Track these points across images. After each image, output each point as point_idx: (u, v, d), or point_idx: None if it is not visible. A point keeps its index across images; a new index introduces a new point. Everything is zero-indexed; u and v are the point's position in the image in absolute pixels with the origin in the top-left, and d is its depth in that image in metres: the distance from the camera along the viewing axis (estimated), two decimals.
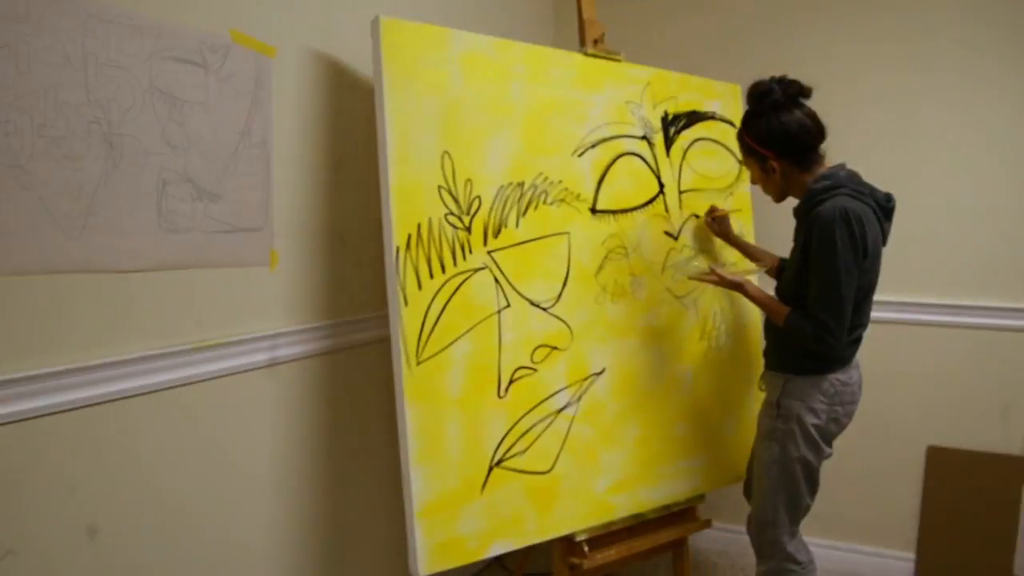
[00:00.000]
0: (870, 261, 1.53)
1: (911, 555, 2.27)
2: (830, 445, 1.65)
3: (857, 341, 1.63)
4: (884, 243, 1.60)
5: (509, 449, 1.58)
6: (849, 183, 1.54)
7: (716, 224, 1.99)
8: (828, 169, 1.59)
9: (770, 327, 1.73)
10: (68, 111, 1.05)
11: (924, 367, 2.22)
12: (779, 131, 1.57)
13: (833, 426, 1.63)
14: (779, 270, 1.87)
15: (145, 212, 1.18)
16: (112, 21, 1.11)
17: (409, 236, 1.46)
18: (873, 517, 2.31)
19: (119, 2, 1.12)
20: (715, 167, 2.07)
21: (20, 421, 1.02)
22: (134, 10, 1.14)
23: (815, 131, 1.58)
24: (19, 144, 1.00)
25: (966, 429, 2.20)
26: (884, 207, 1.58)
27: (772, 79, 1.60)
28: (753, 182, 1.71)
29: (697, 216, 2.02)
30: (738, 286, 1.72)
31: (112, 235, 1.13)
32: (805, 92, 1.59)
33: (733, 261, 2.02)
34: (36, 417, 1.04)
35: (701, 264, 1.96)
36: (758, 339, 2.13)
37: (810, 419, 1.60)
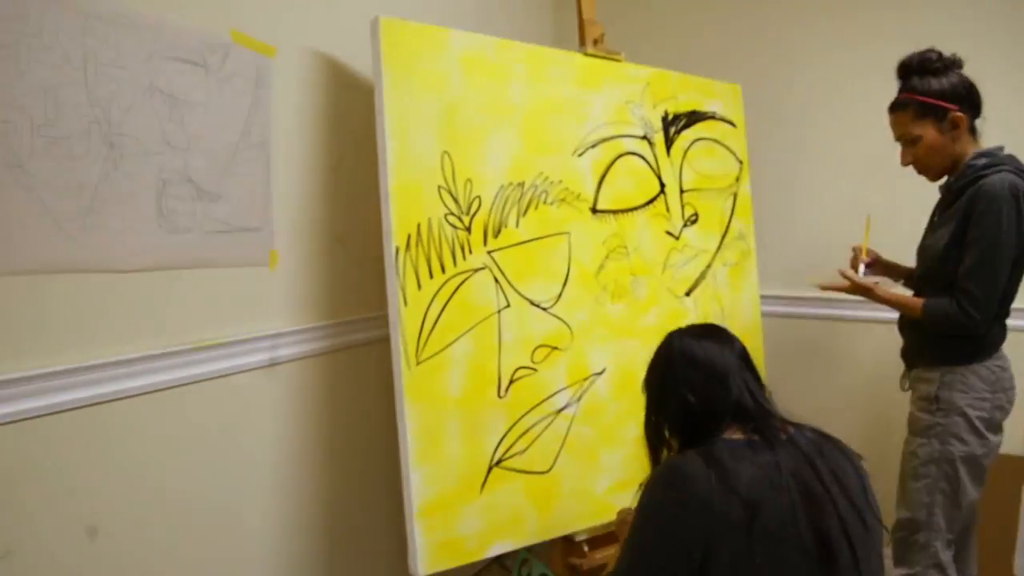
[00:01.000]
0: None
1: None
2: (996, 435, 1.56)
3: (1006, 325, 1.57)
4: None
5: (509, 449, 1.58)
6: (1011, 163, 1.50)
7: (875, 269, 1.86)
8: (985, 148, 1.55)
9: (910, 324, 1.67)
10: (68, 111, 1.05)
11: None
12: (961, 83, 1.53)
13: (998, 414, 1.55)
14: (909, 277, 1.81)
15: (145, 212, 1.18)
16: (112, 21, 1.11)
17: (409, 236, 1.46)
18: None
19: (119, 2, 1.12)
20: (716, 167, 2.07)
21: (20, 421, 1.02)
22: (134, 10, 1.14)
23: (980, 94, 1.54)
24: (19, 144, 1.00)
25: None
26: None
27: (928, 50, 1.56)
28: (907, 163, 1.64)
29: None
30: (867, 290, 1.67)
31: (112, 235, 1.13)
32: (959, 62, 1.56)
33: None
34: (36, 417, 1.04)
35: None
36: (758, 339, 2.13)
37: (974, 411, 1.52)
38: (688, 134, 2.00)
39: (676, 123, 1.99)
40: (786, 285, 2.41)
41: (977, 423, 1.52)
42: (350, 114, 1.63)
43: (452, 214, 1.52)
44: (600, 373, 1.76)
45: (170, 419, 1.25)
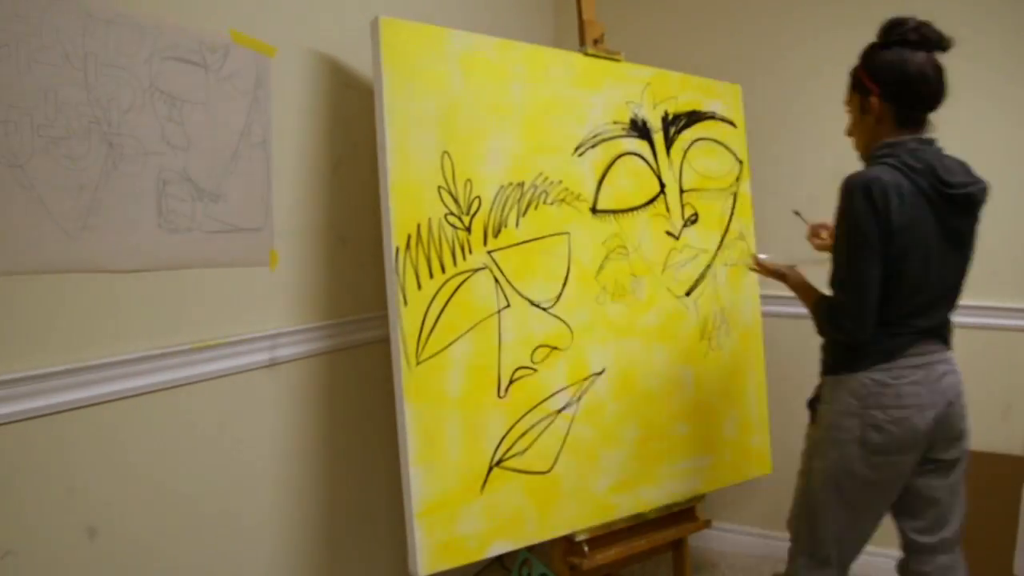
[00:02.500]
0: (903, 242, 1.30)
1: None
2: (884, 456, 1.35)
3: (908, 334, 1.36)
4: (950, 237, 1.36)
5: (509, 449, 1.58)
6: (905, 155, 1.34)
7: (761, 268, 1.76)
8: (901, 137, 1.38)
9: None
10: (68, 111, 1.05)
11: None
12: (895, 67, 1.37)
13: (875, 435, 1.34)
14: None
15: (145, 212, 1.18)
16: (112, 21, 1.11)
17: (409, 236, 1.46)
18: None
19: (119, 2, 1.12)
20: (716, 167, 2.07)
21: (20, 421, 1.02)
22: (134, 10, 1.14)
23: (934, 88, 1.38)
24: (19, 144, 1.00)
25: None
26: (945, 193, 1.34)
27: (914, 17, 1.39)
28: (847, 133, 1.53)
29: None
30: (781, 276, 1.60)
31: (112, 235, 1.13)
32: (944, 43, 1.38)
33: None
34: (36, 417, 1.04)
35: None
36: (758, 339, 2.13)
37: (838, 427, 1.37)
38: (688, 134, 2.01)
39: (676, 123, 1.99)
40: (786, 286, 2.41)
41: (843, 439, 1.37)
42: (350, 114, 1.63)
43: (452, 214, 1.52)
44: (600, 373, 1.76)
45: (170, 419, 1.25)
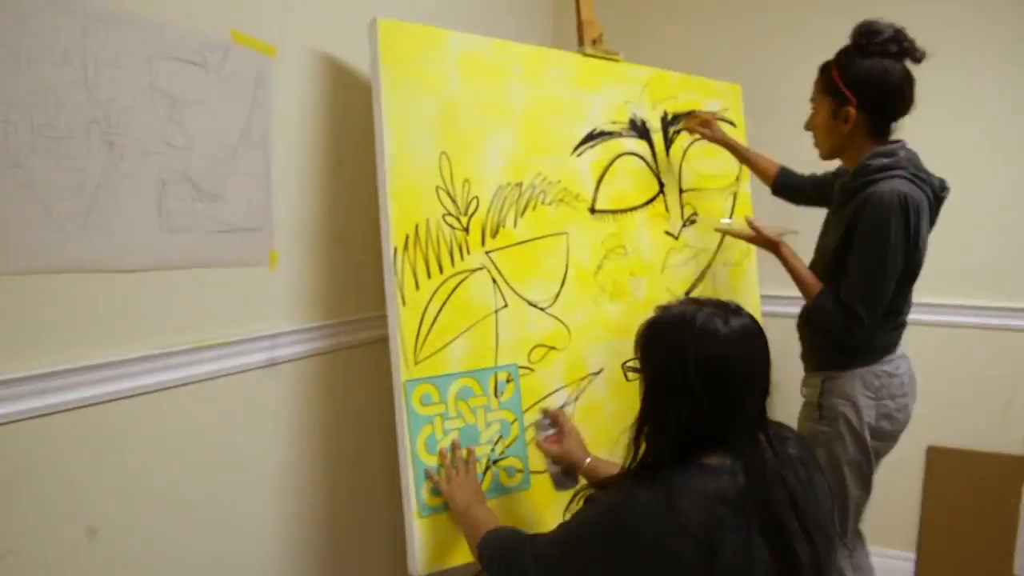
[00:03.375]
0: (920, 248, 1.41)
1: (911, 555, 2.27)
2: (888, 442, 1.54)
3: (900, 327, 1.52)
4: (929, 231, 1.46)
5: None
6: (909, 165, 1.39)
7: (706, 129, 1.86)
8: (887, 146, 1.43)
9: (800, 327, 1.63)
10: (68, 111, 1.06)
11: (924, 367, 2.21)
12: (877, 78, 1.39)
13: (885, 423, 1.50)
14: (776, 178, 1.86)
15: (145, 212, 1.18)
16: (112, 21, 1.11)
17: (407, 237, 1.46)
18: (873, 517, 2.30)
19: (119, 2, 1.12)
20: (715, 166, 2.07)
21: (20, 421, 1.02)
22: (134, 10, 1.14)
23: (909, 100, 1.41)
24: (19, 144, 1.00)
25: (966, 429, 2.20)
26: (938, 196, 1.44)
27: (890, 24, 1.40)
28: (807, 127, 1.57)
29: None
30: (774, 245, 1.58)
31: (112, 235, 1.13)
32: (917, 55, 1.40)
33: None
34: (36, 417, 1.04)
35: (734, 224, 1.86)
36: None
37: (856, 417, 1.48)
38: (688, 134, 2.01)
39: (675, 123, 1.99)
40: (786, 285, 2.40)
41: (860, 430, 1.48)
42: (350, 114, 1.64)
43: (450, 215, 1.53)
44: (598, 373, 1.76)
45: (170, 419, 1.26)
